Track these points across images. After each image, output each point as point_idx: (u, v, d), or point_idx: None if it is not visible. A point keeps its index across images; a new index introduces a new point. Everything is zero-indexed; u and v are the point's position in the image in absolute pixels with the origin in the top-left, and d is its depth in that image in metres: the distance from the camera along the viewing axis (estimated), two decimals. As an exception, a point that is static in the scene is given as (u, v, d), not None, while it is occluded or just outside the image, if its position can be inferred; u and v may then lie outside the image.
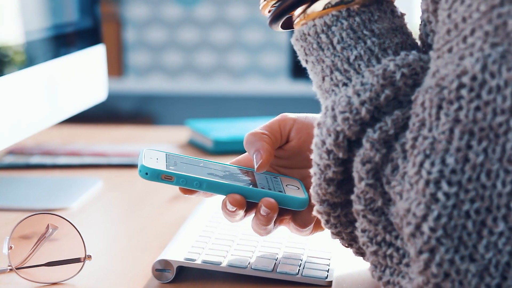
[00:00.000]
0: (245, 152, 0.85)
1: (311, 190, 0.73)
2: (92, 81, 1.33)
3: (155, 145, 1.42)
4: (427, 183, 0.63)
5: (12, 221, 0.80)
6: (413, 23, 0.86)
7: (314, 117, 0.85)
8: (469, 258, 0.63)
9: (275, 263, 0.81)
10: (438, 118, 0.64)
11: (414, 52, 0.71)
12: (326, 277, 0.79)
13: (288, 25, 0.78)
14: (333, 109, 0.70)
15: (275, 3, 0.76)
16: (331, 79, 0.72)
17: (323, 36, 0.72)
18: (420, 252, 0.63)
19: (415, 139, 0.65)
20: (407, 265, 0.68)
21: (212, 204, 0.97)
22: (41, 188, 1.16)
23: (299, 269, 0.80)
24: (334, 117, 0.70)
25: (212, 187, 0.79)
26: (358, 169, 0.68)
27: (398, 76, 0.69)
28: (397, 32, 0.73)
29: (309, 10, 0.73)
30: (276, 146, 0.84)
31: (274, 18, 0.76)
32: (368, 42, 0.72)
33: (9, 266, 0.79)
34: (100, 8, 1.39)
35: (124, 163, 1.29)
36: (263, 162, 0.81)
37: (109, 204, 1.12)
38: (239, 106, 2.84)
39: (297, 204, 0.80)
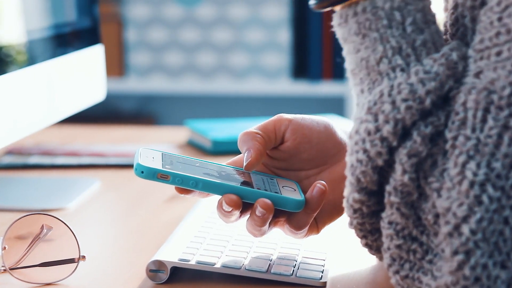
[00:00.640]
0: (242, 152, 0.84)
1: (348, 179, 0.71)
2: (90, 81, 1.33)
3: (154, 145, 1.41)
4: (472, 184, 0.63)
5: (9, 222, 0.80)
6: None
7: (311, 118, 0.84)
8: (501, 265, 0.63)
9: (270, 263, 0.81)
10: (484, 121, 0.64)
11: (459, 42, 0.69)
12: (321, 278, 0.79)
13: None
14: (390, 95, 0.68)
15: None
16: (390, 61, 0.69)
17: (397, 14, 0.69)
18: (455, 252, 0.63)
19: (455, 138, 0.65)
20: (430, 262, 0.67)
21: (208, 205, 0.97)
22: (39, 188, 1.16)
23: (293, 270, 0.80)
24: (394, 104, 0.68)
25: (208, 187, 0.78)
26: (403, 161, 0.67)
27: (460, 67, 0.68)
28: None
29: None
30: (269, 146, 0.83)
31: None
32: (433, 28, 0.70)
33: (2, 266, 0.79)
34: (100, 8, 1.39)
35: (122, 163, 1.29)
36: (251, 161, 0.80)
37: (106, 205, 1.12)
38: (241, 106, 2.84)
39: (293, 205, 0.79)
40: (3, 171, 1.26)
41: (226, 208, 0.78)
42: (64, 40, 1.26)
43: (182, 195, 0.79)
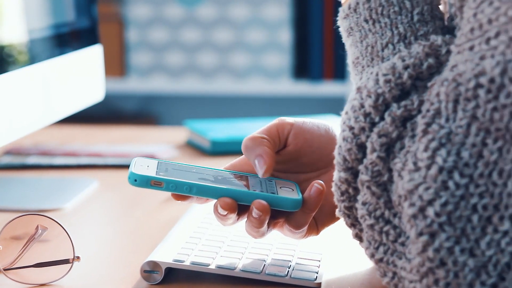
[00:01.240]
0: (242, 153, 0.84)
1: (335, 159, 0.72)
2: (89, 81, 1.33)
3: (153, 145, 1.42)
4: (441, 170, 0.64)
5: (5, 222, 0.80)
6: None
7: (312, 122, 0.84)
8: (469, 252, 0.63)
9: (264, 264, 0.80)
10: (455, 112, 0.65)
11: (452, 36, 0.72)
12: (315, 279, 0.79)
13: None
14: (377, 74, 0.70)
15: None
16: (394, 47, 0.72)
17: (407, 2, 0.72)
18: (420, 234, 0.64)
19: (428, 124, 0.66)
20: (403, 244, 0.68)
21: (203, 206, 0.97)
22: (36, 189, 1.16)
23: (288, 271, 0.80)
24: (377, 80, 0.70)
25: (202, 191, 0.78)
26: (373, 140, 0.69)
27: (443, 50, 0.70)
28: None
29: None
30: (275, 150, 0.83)
31: None
32: (437, 23, 0.73)
33: (-3, 267, 0.79)
34: (100, 8, 1.39)
35: (120, 163, 1.29)
36: (268, 167, 0.80)
37: (103, 205, 1.12)
38: (242, 106, 2.84)
39: (290, 204, 0.79)
40: (1, 171, 1.26)
41: (221, 211, 0.78)
42: (63, 40, 1.26)
43: (179, 201, 0.79)
